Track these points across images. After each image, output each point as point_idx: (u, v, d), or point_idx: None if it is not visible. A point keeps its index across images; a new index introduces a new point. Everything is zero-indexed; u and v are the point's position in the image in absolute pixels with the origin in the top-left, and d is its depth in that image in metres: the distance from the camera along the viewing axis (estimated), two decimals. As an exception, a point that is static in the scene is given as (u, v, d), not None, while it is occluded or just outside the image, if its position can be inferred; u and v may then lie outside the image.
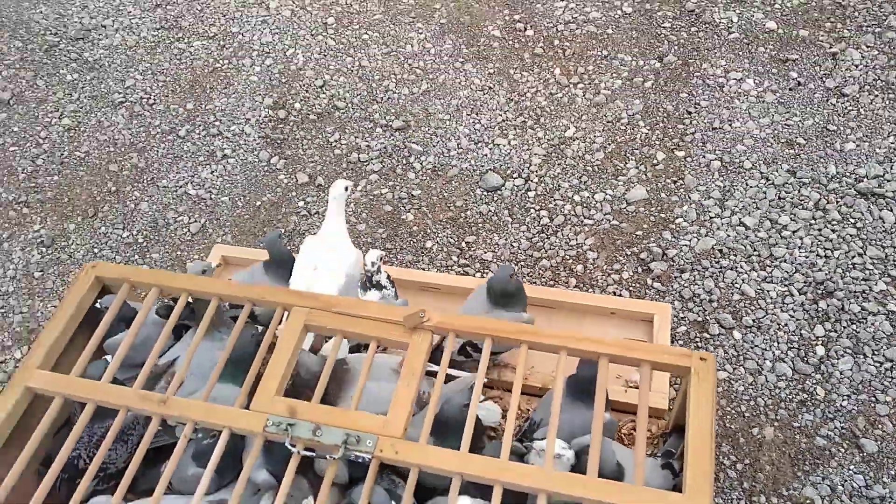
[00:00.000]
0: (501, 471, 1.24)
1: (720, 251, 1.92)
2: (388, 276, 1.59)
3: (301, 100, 2.45)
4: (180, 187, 2.30)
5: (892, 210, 1.94)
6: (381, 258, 1.59)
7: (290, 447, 1.29)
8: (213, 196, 2.26)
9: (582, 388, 1.38)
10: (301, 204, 2.19)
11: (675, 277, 1.89)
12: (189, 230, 2.19)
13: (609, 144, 2.20)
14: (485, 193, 2.14)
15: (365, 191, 2.19)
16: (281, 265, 1.70)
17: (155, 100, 2.55)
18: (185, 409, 1.37)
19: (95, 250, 2.18)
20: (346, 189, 1.68)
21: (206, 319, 1.51)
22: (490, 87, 2.40)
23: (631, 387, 1.64)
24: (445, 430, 1.37)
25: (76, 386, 1.43)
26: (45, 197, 2.34)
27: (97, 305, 1.59)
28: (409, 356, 1.40)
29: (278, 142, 2.36)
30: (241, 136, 2.40)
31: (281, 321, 1.53)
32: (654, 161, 2.14)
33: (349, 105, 2.40)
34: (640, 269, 1.92)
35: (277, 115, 2.43)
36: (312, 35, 2.64)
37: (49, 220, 2.28)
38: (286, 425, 1.32)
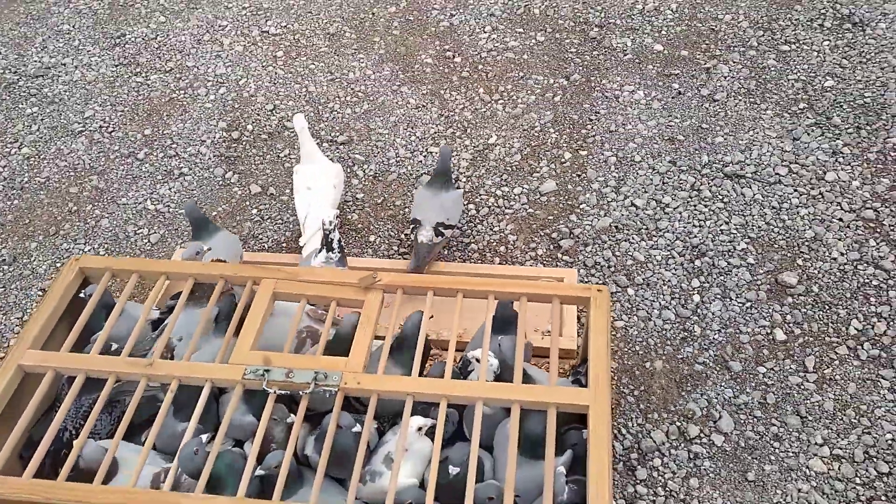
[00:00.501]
0: (445, 388, 1.60)
1: (616, 227, 2.37)
2: (340, 241, 1.91)
3: (253, 122, 2.82)
4: (140, 204, 2.62)
5: (750, 188, 2.45)
6: (336, 217, 1.93)
7: (266, 390, 1.59)
8: (171, 209, 2.58)
9: (504, 322, 1.73)
10: (255, 212, 2.54)
11: (581, 251, 2.31)
12: (150, 240, 2.51)
13: (525, 148, 2.63)
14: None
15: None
16: (200, 226, 2.11)
17: (114, 128, 2.87)
18: (170, 369, 1.67)
19: (58, 264, 2.49)
20: (305, 118, 2.35)
21: (184, 294, 1.81)
22: (424, 106, 2.81)
23: (545, 334, 2.01)
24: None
25: (66, 360, 1.72)
26: (6, 220, 2.65)
27: (81, 295, 1.83)
28: (365, 310, 1.74)
29: (232, 159, 2.71)
30: (197, 156, 2.74)
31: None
32: (562, 160, 2.58)
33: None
34: (551, 247, 2.33)
35: (231, 136, 2.78)
36: (263, 67, 3.02)
37: (10, 241, 2.58)
38: (262, 372, 1.63)
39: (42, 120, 2.95)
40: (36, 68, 3.17)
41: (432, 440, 1.60)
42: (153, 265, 1.89)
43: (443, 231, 2.23)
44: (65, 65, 3.17)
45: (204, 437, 1.54)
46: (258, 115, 2.89)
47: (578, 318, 2.13)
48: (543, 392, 1.62)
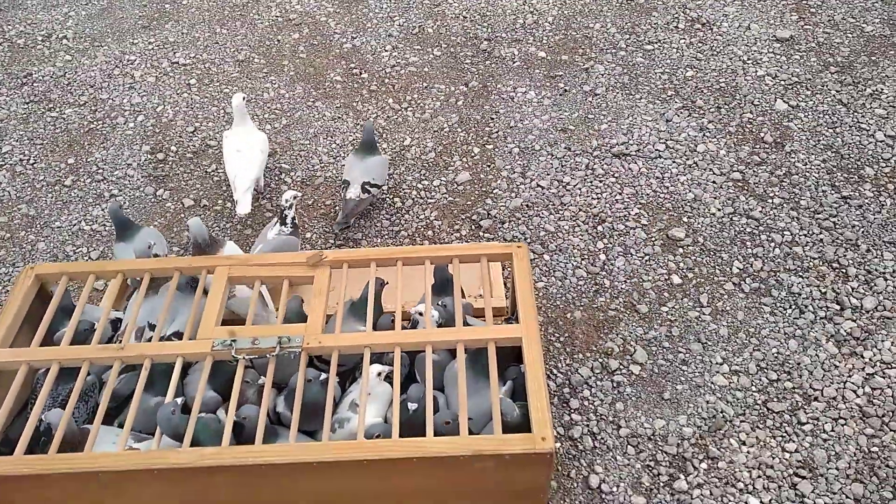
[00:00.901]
0: (397, 338, 1.79)
1: (527, 206, 2.67)
2: (294, 219, 2.10)
3: (176, 143, 2.94)
4: (74, 226, 2.68)
5: (636, 163, 2.83)
6: (294, 198, 2.13)
7: (234, 357, 1.74)
8: (107, 228, 2.67)
9: (441, 283, 1.96)
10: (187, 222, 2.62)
11: (499, 228, 2.59)
12: (90, 257, 2.54)
13: (438, 147, 2.91)
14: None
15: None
16: (125, 226, 2.24)
17: (35, 160, 2.91)
18: (141, 350, 1.78)
19: (0, 287, 2.45)
20: (244, 99, 2.65)
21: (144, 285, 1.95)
22: (339, 118, 3.04)
23: (479, 297, 2.25)
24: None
25: (38, 353, 1.79)
26: None
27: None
28: (316, 284, 1.91)
29: (161, 178, 2.82)
30: (126, 178, 2.83)
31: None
32: (472, 154, 2.88)
33: (220, 143, 2.90)
34: (473, 227, 2.60)
35: (157, 157, 2.90)
36: (178, 94, 3.15)
37: None
38: (230, 342, 1.77)
39: (-44, 158, 2.93)
40: (-59, 111, 3.15)
41: (391, 385, 1.79)
42: (108, 265, 1.99)
43: (369, 189, 2.60)
44: (-28, 106, 3.18)
45: (178, 400, 1.66)
46: (180, 136, 3.01)
47: (504, 283, 2.38)
48: (482, 331, 1.85)
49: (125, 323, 1.91)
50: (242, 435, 1.68)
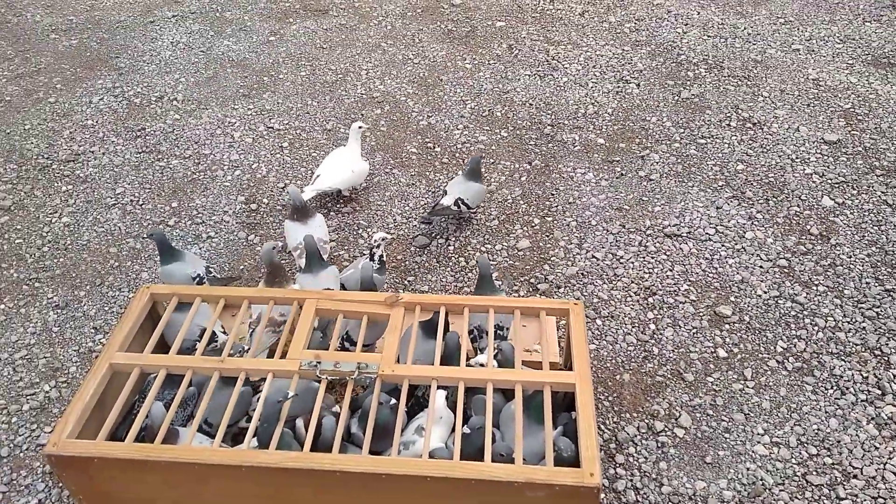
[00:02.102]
0: (462, 373, 1.98)
1: (582, 274, 2.87)
2: (382, 258, 2.37)
3: (268, 196, 3.27)
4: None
5: (687, 244, 3.02)
6: (383, 239, 2.43)
7: (319, 376, 1.95)
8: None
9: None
10: (276, 266, 2.91)
11: (555, 292, 2.79)
12: (184, 291, 2.82)
13: (501, 216, 3.17)
14: (416, 249, 2.97)
15: (329, 258, 2.96)
16: (167, 250, 2.55)
17: (143, 202, 3.26)
18: (238, 364, 2.01)
19: (106, 308, 2.76)
20: (360, 127, 3.18)
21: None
22: (413, 184, 3.35)
23: (535, 350, 2.43)
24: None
25: (150, 359, 2.03)
26: (55, 274, 2.93)
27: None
28: (391, 321, 2.13)
29: (253, 225, 3.13)
30: (222, 223, 3.14)
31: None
32: (533, 224, 3.12)
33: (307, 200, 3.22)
34: (531, 290, 2.80)
35: (250, 207, 3.22)
36: (272, 154, 3.52)
37: (61, 290, 2.87)
38: (315, 363, 1.99)
39: (77, 195, 3.30)
40: (66, 154, 3.56)
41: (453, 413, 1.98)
42: (214, 290, 2.25)
43: (460, 204, 2.99)
44: (92, 152, 3.58)
45: (290, 393, 1.87)
46: (272, 191, 3.34)
47: (559, 341, 2.56)
48: (540, 375, 2.03)
49: (229, 339, 2.15)
50: (319, 447, 1.87)
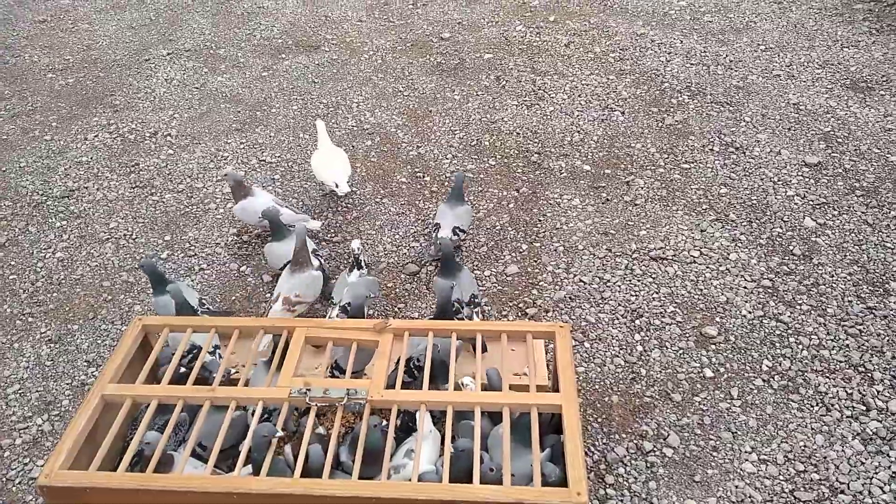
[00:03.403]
0: (450, 397, 2.02)
1: (570, 298, 2.92)
2: (366, 261, 2.49)
3: (260, 228, 3.30)
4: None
5: (672, 266, 3.08)
6: (361, 244, 2.66)
7: (308, 403, 1.99)
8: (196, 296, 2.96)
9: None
10: (269, 295, 2.97)
11: (543, 316, 2.83)
12: (178, 322, 2.86)
13: (490, 242, 3.23)
14: (406, 276, 3.02)
15: (317, 283, 3.01)
16: (159, 280, 2.61)
17: (137, 235, 3.32)
18: (229, 392, 2.04)
19: (99, 341, 2.79)
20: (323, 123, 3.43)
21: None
22: (403, 213, 3.42)
23: (523, 374, 2.46)
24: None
25: (141, 390, 2.06)
26: (48, 308, 2.97)
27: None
28: (380, 347, 2.17)
29: (245, 256, 3.19)
30: (214, 255, 3.20)
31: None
32: (521, 250, 3.18)
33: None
34: (520, 314, 2.85)
35: (242, 239, 3.28)
36: (264, 187, 3.57)
37: (54, 324, 2.90)
38: (305, 390, 2.02)
39: (71, 231, 3.36)
40: (61, 191, 3.62)
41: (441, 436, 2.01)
42: (205, 321, 2.29)
43: (458, 232, 3.06)
44: (87, 188, 3.65)
45: (277, 431, 1.90)
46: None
47: (547, 365, 2.59)
48: (527, 397, 2.06)
49: (221, 368, 2.19)
50: (310, 474, 1.89)
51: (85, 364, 2.72)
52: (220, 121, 4.21)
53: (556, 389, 2.28)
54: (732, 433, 2.43)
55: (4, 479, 2.34)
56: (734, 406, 2.52)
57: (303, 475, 1.85)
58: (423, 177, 3.69)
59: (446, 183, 3.63)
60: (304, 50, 4.95)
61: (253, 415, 1.99)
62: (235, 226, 3.38)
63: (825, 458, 2.34)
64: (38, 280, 3.12)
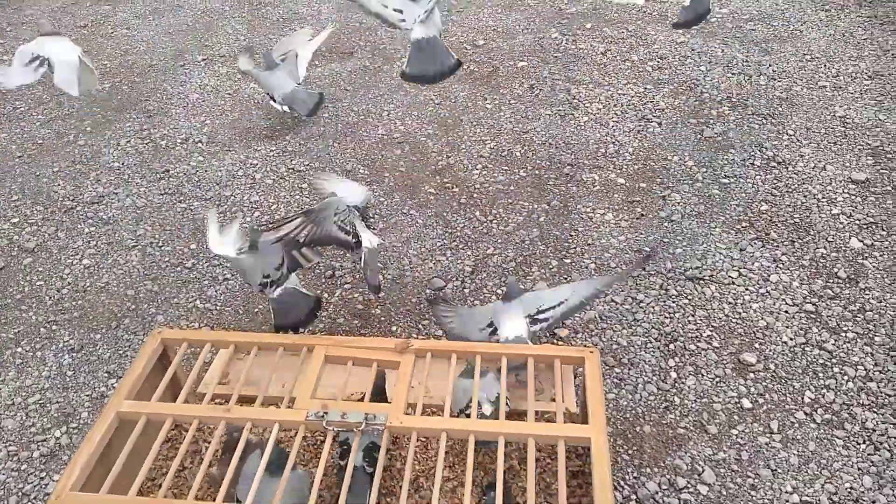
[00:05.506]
0: (473, 425, 1.91)
1: (601, 318, 2.79)
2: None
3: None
4: (190, 303, 2.96)
5: (709, 287, 2.91)
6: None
7: (326, 428, 1.90)
8: (218, 308, 2.93)
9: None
10: (292, 309, 2.88)
11: (573, 338, 2.71)
12: (200, 333, 2.80)
13: (518, 257, 3.10)
14: (432, 292, 2.92)
15: (341, 296, 2.93)
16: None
17: (163, 243, 3.28)
18: (245, 413, 1.96)
19: (120, 351, 2.75)
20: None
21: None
22: (430, 225, 3.31)
23: (551, 400, 2.34)
24: None
25: (156, 407, 2.00)
26: (72, 317, 2.94)
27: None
28: (401, 368, 2.08)
29: (269, 267, 3.09)
30: (238, 265, 3.12)
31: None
32: (551, 266, 3.05)
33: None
34: (548, 334, 2.71)
35: (267, 249, 3.19)
36: (291, 195, 3.52)
37: (77, 333, 2.86)
38: (322, 414, 1.94)
39: (99, 237, 3.33)
40: (91, 196, 3.62)
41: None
42: (224, 336, 2.23)
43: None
44: (116, 194, 3.64)
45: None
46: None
47: (576, 391, 2.47)
48: (553, 428, 1.94)
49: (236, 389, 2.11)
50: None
51: (105, 375, 2.68)
52: (250, 127, 4.16)
53: (584, 418, 2.16)
54: (772, 470, 2.27)
55: (21, 494, 2.30)
56: (774, 441, 2.36)
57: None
58: (452, 188, 3.59)
59: (475, 195, 3.52)
60: (338, 56, 4.89)
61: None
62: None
63: (873, 502, 2.17)
64: (64, 287, 3.10)
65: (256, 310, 2.92)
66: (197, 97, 4.50)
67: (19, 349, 2.82)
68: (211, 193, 3.61)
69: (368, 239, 2.45)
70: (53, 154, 4.00)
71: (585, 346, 2.66)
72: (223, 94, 4.51)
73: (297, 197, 3.55)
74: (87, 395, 2.61)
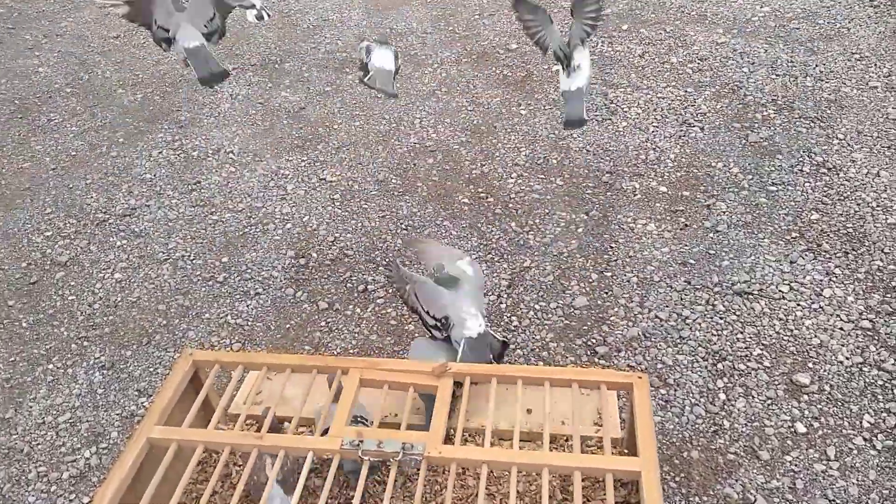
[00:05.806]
0: (515, 457, 1.82)
1: (644, 335, 2.67)
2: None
3: (317, 251, 3.21)
4: (221, 318, 2.93)
5: (758, 302, 2.77)
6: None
7: (361, 458, 1.83)
8: (249, 323, 2.89)
9: None
10: (323, 324, 2.85)
11: (614, 355, 2.60)
12: (231, 349, 2.76)
13: (556, 270, 3.00)
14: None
15: (374, 311, 2.87)
16: None
17: (195, 257, 3.25)
18: (277, 441, 1.90)
19: (151, 369, 2.72)
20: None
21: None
22: (464, 237, 3.23)
23: (597, 424, 2.24)
24: None
25: (187, 433, 1.94)
26: (103, 332, 2.92)
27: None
28: (439, 393, 1.99)
29: (301, 281, 3.06)
30: (270, 279, 3.09)
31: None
32: (590, 280, 2.94)
33: (356, 252, 3.19)
34: (588, 353, 2.62)
35: (299, 262, 3.17)
36: (323, 207, 3.47)
37: (108, 349, 2.85)
38: (357, 442, 1.86)
39: (131, 251, 3.32)
40: (123, 209, 3.61)
41: None
42: (256, 357, 2.18)
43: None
44: (148, 206, 3.63)
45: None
46: (321, 245, 3.27)
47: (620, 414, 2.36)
48: (601, 461, 1.84)
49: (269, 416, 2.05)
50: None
51: (136, 393, 2.65)
52: (281, 137, 4.13)
53: (630, 442, 2.06)
54: (829, 500, 2.14)
55: (52, 515, 2.30)
56: (831, 469, 2.23)
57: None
58: (487, 197, 3.50)
59: (510, 205, 3.43)
60: (368, 63, 4.84)
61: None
62: (294, 248, 3.28)
63: (944, 537, 2.03)
64: (96, 302, 3.09)
65: (287, 325, 2.87)
66: (228, 107, 4.48)
67: (50, 366, 2.82)
68: (242, 205, 3.58)
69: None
70: (86, 166, 4.01)
71: (631, 367, 2.55)
72: (254, 104, 4.49)
73: (329, 209, 3.50)
74: (118, 414, 2.59)
